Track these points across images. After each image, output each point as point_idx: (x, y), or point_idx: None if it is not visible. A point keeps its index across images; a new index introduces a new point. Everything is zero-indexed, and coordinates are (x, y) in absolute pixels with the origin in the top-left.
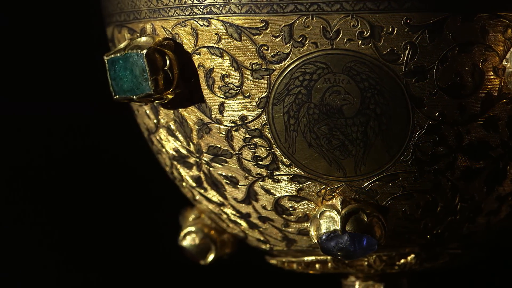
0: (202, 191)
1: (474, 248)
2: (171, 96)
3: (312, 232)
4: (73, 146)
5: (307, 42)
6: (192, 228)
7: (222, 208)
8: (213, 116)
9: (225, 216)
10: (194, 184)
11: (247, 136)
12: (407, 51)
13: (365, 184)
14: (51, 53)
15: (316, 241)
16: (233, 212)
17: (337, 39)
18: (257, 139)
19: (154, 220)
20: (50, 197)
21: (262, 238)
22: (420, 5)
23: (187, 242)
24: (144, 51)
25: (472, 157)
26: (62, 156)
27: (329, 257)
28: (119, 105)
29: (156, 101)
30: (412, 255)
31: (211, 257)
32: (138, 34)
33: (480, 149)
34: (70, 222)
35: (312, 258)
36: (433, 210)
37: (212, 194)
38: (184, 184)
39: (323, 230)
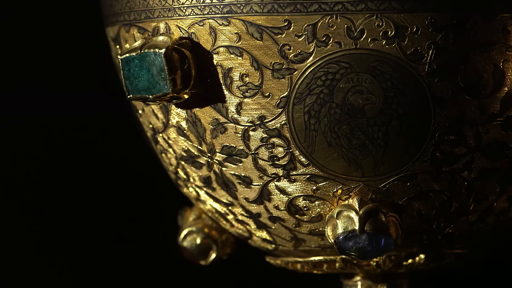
0: (210, 191)
1: (478, 248)
2: (187, 96)
3: (329, 232)
4: (72, 144)
5: (330, 41)
6: (193, 228)
7: (230, 208)
8: (229, 115)
9: (231, 216)
10: (201, 184)
11: (265, 135)
12: (430, 51)
13: (383, 184)
14: (50, 52)
15: (332, 241)
16: (242, 212)
17: (361, 39)
18: (275, 138)
19: (154, 220)
20: (49, 197)
21: (268, 238)
22: (444, 5)
23: (187, 242)
24: (163, 50)
25: (490, 157)
26: (62, 155)
27: (338, 257)
28: (119, 104)
29: (174, 101)
30: (422, 255)
31: (212, 257)
32: (150, 33)
33: (497, 149)
34: (69, 222)
35: (321, 258)
36: (447, 210)
37: (221, 194)
38: (189, 184)
39: (341, 230)
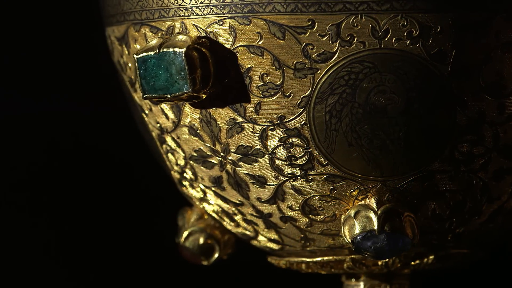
0: (219, 191)
1: (483, 247)
2: (205, 95)
3: (346, 232)
4: (70, 145)
5: (355, 41)
6: (195, 229)
7: (239, 208)
8: (247, 115)
9: (239, 216)
10: (210, 184)
11: (284, 135)
12: (453, 51)
13: (401, 184)
14: (49, 52)
15: (349, 240)
16: (252, 212)
17: (386, 39)
18: (295, 138)
19: (153, 220)
20: (48, 197)
21: (276, 238)
22: (468, 5)
23: (190, 242)
24: (183, 50)
25: (506, 157)
26: (60, 155)
27: (347, 257)
28: (118, 104)
29: (193, 100)
30: (431, 256)
31: (215, 257)
32: (163, 33)
33: None
34: (68, 222)
35: (330, 258)
36: (461, 210)
37: (232, 194)
38: (195, 184)
39: (359, 230)
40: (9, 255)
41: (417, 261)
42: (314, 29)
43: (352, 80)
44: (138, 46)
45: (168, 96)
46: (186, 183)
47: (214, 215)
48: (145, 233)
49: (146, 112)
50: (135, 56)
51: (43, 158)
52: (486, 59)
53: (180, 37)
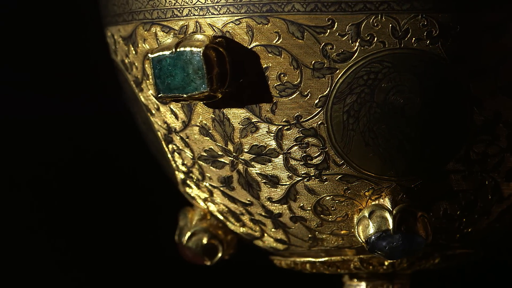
0: (228, 191)
1: (487, 247)
2: (221, 95)
3: (360, 232)
4: (70, 146)
5: (375, 41)
6: (199, 229)
7: (248, 207)
8: (263, 115)
9: (246, 216)
10: (218, 184)
11: (300, 135)
12: (472, 51)
13: (415, 184)
14: (49, 52)
15: (363, 240)
16: (261, 212)
17: (406, 38)
18: (311, 138)
19: (154, 220)
20: (48, 199)
21: (283, 238)
22: (487, 5)
23: (193, 242)
24: (202, 49)
25: None
26: (60, 157)
27: (355, 257)
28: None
29: (209, 100)
30: (437, 255)
31: (218, 257)
32: (176, 32)
33: None
34: (69, 223)
35: (338, 258)
36: (472, 209)
37: (241, 194)
38: (202, 184)
39: (374, 230)
40: (12, 259)
41: (424, 261)
42: (334, 28)
43: (371, 80)
44: (147, 46)
45: (184, 95)
46: (191, 183)
47: (218, 215)
48: (145, 233)
49: (153, 112)
50: (150, 55)
51: (44, 160)
52: (503, 59)
53: (197, 36)
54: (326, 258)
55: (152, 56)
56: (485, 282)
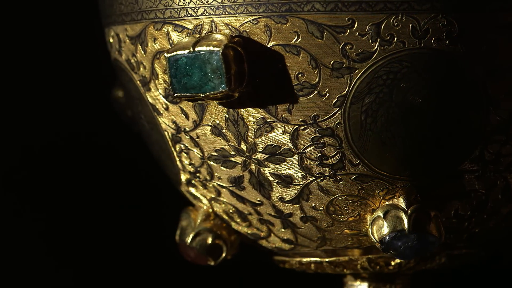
0: (237, 190)
1: (485, 247)
2: (238, 94)
3: (374, 232)
4: (73, 145)
5: (395, 40)
6: (203, 229)
7: (257, 207)
8: (279, 114)
9: (255, 216)
10: (227, 184)
11: (317, 135)
12: (490, 51)
13: (429, 184)
14: (49, 51)
15: (377, 240)
16: (270, 212)
17: (426, 38)
18: (328, 138)
19: (155, 220)
20: (51, 196)
21: (291, 238)
22: (504, 5)
23: (197, 242)
24: (221, 48)
25: None
26: (63, 155)
27: (364, 258)
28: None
29: (227, 99)
30: (444, 255)
31: (222, 257)
32: (190, 31)
33: None
34: (70, 222)
35: (345, 258)
36: (482, 209)
37: (251, 194)
38: (209, 183)
39: (388, 229)
40: (13, 258)
41: (429, 261)
42: (354, 28)
43: (390, 80)
44: (157, 46)
45: (201, 95)
46: (197, 183)
47: (223, 215)
48: (145, 233)
49: (160, 111)
50: (166, 54)
51: (45, 157)
52: None
53: (216, 35)
54: (333, 258)
55: (169, 55)
56: (485, 282)
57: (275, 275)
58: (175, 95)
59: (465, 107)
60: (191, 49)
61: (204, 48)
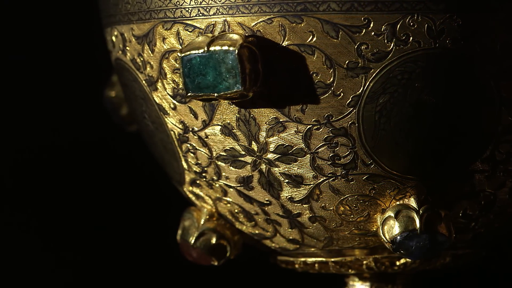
0: (245, 190)
1: (486, 247)
2: (252, 94)
3: (385, 232)
4: (75, 144)
5: (410, 40)
6: (207, 229)
7: (265, 207)
8: (292, 114)
9: (262, 216)
10: (235, 184)
11: (330, 135)
12: (504, 51)
13: (440, 183)
14: (49, 51)
15: (388, 240)
16: (278, 212)
17: (441, 38)
18: (341, 138)
19: (156, 220)
20: (53, 196)
21: (297, 238)
22: None
23: (201, 242)
24: (236, 48)
25: None
26: (64, 154)
27: (370, 257)
28: None
29: (241, 99)
30: (449, 255)
31: (225, 257)
32: (202, 31)
33: None
34: (70, 222)
35: (351, 258)
36: (489, 209)
37: (260, 194)
38: (216, 183)
39: (400, 229)
40: (17, 257)
41: (434, 261)
42: (370, 28)
43: (405, 80)
44: (166, 45)
45: (215, 94)
46: (202, 183)
47: (227, 215)
48: (148, 233)
49: (168, 111)
50: (179, 54)
51: (47, 158)
52: None
53: (230, 35)
54: (339, 258)
55: (182, 55)
56: (485, 282)
57: (275, 275)
58: (188, 94)
59: (478, 107)
60: (206, 49)
61: (219, 47)
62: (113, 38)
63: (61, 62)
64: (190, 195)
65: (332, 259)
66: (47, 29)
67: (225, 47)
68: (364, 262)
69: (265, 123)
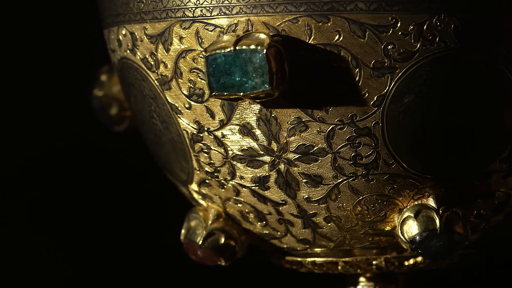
0: (260, 190)
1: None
2: (277, 93)
3: (404, 232)
4: (75, 146)
5: (436, 40)
6: (215, 229)
7: (279, 207)
8: (315, 114)
9: (275, 216)
10: (250, 184)
11: (353, 134)
12: None
13: (458, 183)
14: (49, 51)
15: (407, 239)
16: (293, 212)
17: (466, 39)
18: (364, 137)
19: (157, 220)
20: (54, 198)
21: (308, 238)
22: None
23: (209, 242)
24: (264, 47)
25: None
26: (65, 156)
27: (381, 257)
28: None
29: (267, 98)
30: (457, 254)
31: (233, 257)
32: (223, 30)
33: None
34: (73, 222)
35: (362, 258)
36: (501, 210)
37: (275, 193)
38: (228, 183)
39: (420, 229)
40: (17, 257)
41: (441, 260)
42: (397, 28)
43: (430, 80)
44: (183, 45)
45: (241, 94)
46: (213, 182)
47: (236, 215)
48: (149, 233)
49: (181, 110)
50: (204, 53)
51: (47, 159)
52: None
53: (257, 34)
54: (350, 258)
55: (207, 54)
56: (485, 282)
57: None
58: (213, 94)
59: (500, 106)
60: (232, 48)
61: (246, 46)
62: (120, 37)
63: (47, 62)
64: (196, 195)
65: (343, 259)
66: (34, 30)
67: (253, 46)
68: (374, 262)
69: (287, 122)
